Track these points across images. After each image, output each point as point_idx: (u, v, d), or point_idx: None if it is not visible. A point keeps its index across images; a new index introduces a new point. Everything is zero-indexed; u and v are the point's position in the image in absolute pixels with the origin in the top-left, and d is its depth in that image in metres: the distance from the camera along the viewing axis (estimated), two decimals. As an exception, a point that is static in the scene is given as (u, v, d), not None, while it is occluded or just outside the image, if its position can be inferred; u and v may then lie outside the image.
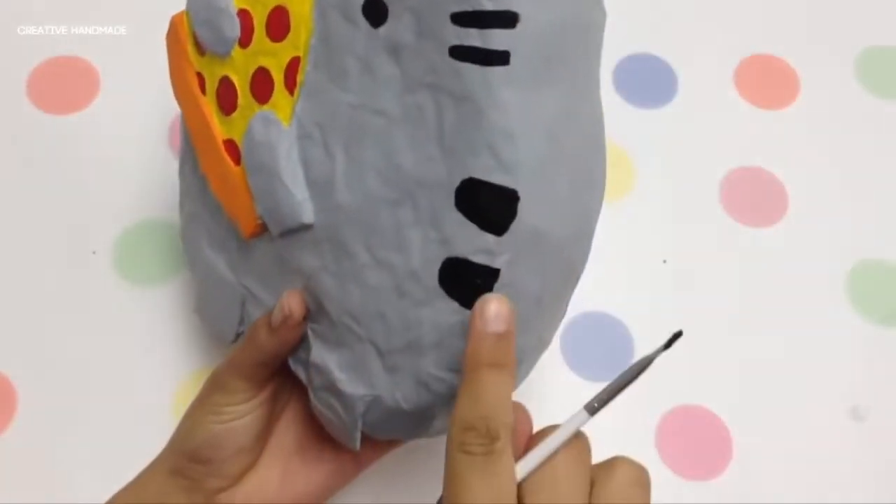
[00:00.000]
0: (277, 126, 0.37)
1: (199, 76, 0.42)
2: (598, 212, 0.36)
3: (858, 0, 0.63)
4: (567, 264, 0.35)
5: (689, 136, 0.58)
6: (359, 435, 0.37)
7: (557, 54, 0.32)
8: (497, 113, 0.32)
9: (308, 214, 0.37)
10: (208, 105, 0.41)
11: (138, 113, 0.56)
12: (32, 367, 0.48)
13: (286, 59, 0.37)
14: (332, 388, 0.37)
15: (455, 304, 0.33)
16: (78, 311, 0.50)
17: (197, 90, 0.42)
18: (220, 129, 0.40)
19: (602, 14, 0.35)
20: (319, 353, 0.37)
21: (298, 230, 0.37)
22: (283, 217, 0.37)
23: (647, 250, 0.54)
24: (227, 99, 0.40)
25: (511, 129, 0.32)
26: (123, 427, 0.47)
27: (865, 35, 0.62)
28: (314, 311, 0.38)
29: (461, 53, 0.32)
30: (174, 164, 0.54)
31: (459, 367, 0.32)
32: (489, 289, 0.33)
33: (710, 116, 0.58)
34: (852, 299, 0.53)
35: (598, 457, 0.32)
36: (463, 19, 0.31)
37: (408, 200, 0.34)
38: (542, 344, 0.37)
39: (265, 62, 0.38)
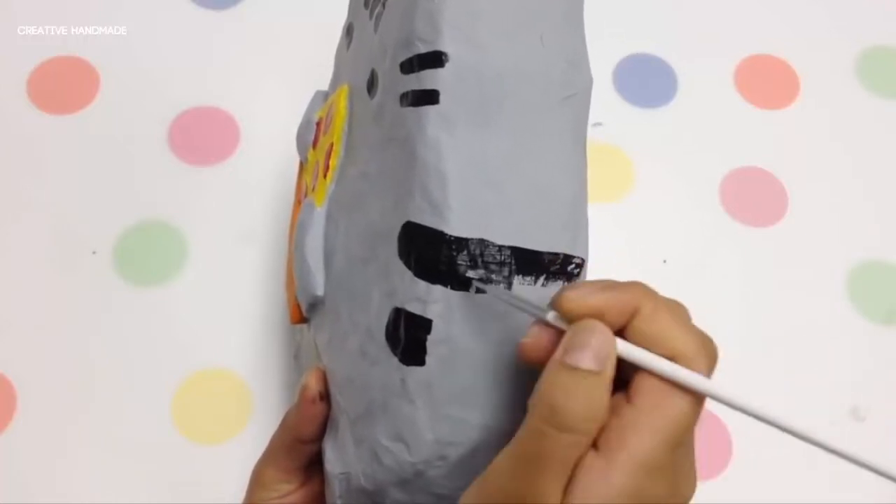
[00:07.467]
0: (311, 208, 0.38)
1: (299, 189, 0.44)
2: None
3: (858, 0, 0.63)
4: (517, 332, 0.29)
5: (689, 136, 0.58)
6: None
7: (496, 100, 0.31)
8: (428, 151, 0.30)
9: (319, 286, 0.36)
10: (294, 209, 0.43)
11: (138, 113, 0.56)
12: (32, 367, 0.48)
13: (326, 148, 0.38)
14: (325, 471, 0.35)
15: (395, 361, 0.31)
16: (78, 311, 0.50)
17: (295, 203, 0.43)
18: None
19: (584, 78, 0.33)
20: (326, 437, 0.36)
21: (317, 307, 0.37)
22: (305, 292, 0.37)
23: (647, 250, 0.54)
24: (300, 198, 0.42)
25: (442, 168, 0.30)
26: (123, 427, 0.47)
27: (865, 35, 0.62)
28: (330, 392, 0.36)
29: (404, 99, 0.32)
30: (174, 164, 0.55)
31: (404, 435, 0.31)
32: (421, 342, 0.30)
33: (710, 116, 0.58)
34: (852, 299, 0.53)
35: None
36: (405, 67, 0.32)
37: (374, 256, 0.33)
38: (489, 432, 0.31)
39: (319, 156, 0.40)
